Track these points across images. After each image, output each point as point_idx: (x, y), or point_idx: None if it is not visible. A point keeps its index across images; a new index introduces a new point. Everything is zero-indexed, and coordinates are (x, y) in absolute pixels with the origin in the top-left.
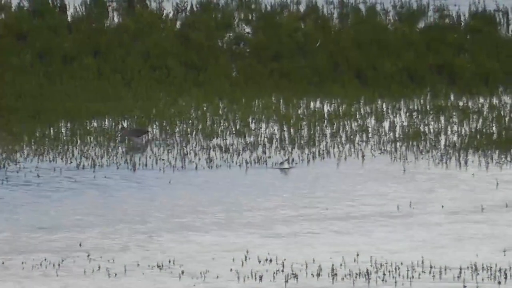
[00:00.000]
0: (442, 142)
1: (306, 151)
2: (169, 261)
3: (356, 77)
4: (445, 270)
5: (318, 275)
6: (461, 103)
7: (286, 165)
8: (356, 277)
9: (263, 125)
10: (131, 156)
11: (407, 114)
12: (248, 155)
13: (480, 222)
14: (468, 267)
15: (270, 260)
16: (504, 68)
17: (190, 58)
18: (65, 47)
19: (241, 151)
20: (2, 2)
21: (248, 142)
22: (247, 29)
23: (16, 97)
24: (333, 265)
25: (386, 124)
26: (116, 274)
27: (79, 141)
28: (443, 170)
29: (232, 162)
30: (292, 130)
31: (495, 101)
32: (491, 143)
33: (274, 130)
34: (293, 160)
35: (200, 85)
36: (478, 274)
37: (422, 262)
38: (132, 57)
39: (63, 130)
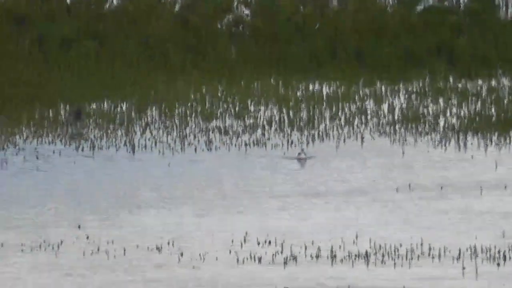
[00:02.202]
0: (441, 124)
1: (305, 133)
2: (168, 243)
3: (355, 59)
4: (444, 252)
5: (317, 257)
6: (460, 85)
7: (303, 156)
8: (355, 259)
9: (262, 108)
10: (77, 138)
11: (406, 96)
12: (247, 137)
13: (479, 204)
14: (467, 249)
15: (269, 242)
16: (503, 51)
17: (189, 41)
18: (63, 32)
19: (240, 133)
20: None
21: (247, 124)
22: (246, 12)
23: (14, 83)
24: (332, 247)
25: (385, 106)
26: (115, 256)
27: (78, 124)
28: (442, 152)
29: (231, 144)
30: (291, 112)
31: (494, 83)
32: (490, 125)
33: (273, 112)
34: (303, 153)
35: (199, 68)
36: (477, 256)
37: (421, 244)
38: (131, 40)
39: (62, 112)
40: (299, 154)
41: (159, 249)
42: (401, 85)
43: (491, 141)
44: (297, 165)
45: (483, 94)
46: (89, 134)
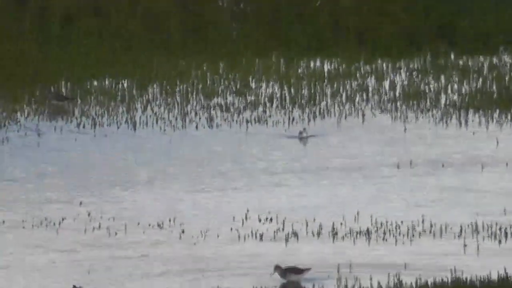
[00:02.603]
0: (442, 101)
1: (307, 110)
2: (169, 220)
3: (356, 38)
4: (446, 228)
5: (319, 234)
6: (461, 63)
7: (305, 134)
8: (356, 236)
9: (264, 85)
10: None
11: (407, 73)
12: (249, 114)
13: (481, 181)
14: (468, 226)
15: (271, 219)
16: (504, 28)
17: (190, 19)
18: (64, 9)
19: (241, 111)
20: None
21: (248, 102)
22: None
23: (16, 60)
24: (333, 223)
25: (386, 84)
26: (116, 233)
27: (79, 100)
28: (443, 129)
29: (233, 121)
30: (292, 90)
31: (495, 60)
32: (491, 102)
33: (275, 89)
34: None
35: (200, 46)
36: (479, 233)
37: (423, 222)
38: (132, 19)
39: (63, 89)
40: (300, 133)
41: (160, 226)
42: (402, 63)
43: (492, 118)
44: (298, 142)
45: (484, 71)
46: (90, 111)
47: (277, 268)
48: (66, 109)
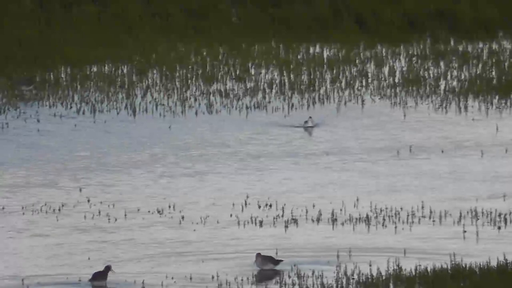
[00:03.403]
0: (442, 87)
1: (306, 96)
2: (169, 206)
3: (356, 23)
4: (445, 215)
5: (318, 220)
6: (461, 48)
7: (310, 124)
8: (356, 222)
9: (263, 71)
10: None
11: (407, 59)
12: (248, 100)
13: (480, 167)
14: (468, 212)
15: (270, 206)
16: (504, 13)
17: (190, 4)
18: None
19: (241, 96)
20: None
21: (248, 87)
22: None
23: (16, 43)
24: (333, 210)
25: (385, 69)
26: (116, 219)
27: (79, 87)
28: (443, 115)
29: (232, 107)
30: (292, 75)
31: (494, 46)
32: (490, 88)
33: (274, 75)
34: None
35: (200, 31)
36: (478, 219)
37: (422, 207)
38: (132, 3)
39: (63, 75)
40: (305, 122)
41: (160, 212)
42: (402, 48)
43: (492, 104)
44: (301, 130)
45: (484, 57)
46: (90, 97)
47: (258, 256)
48: (33, 96)
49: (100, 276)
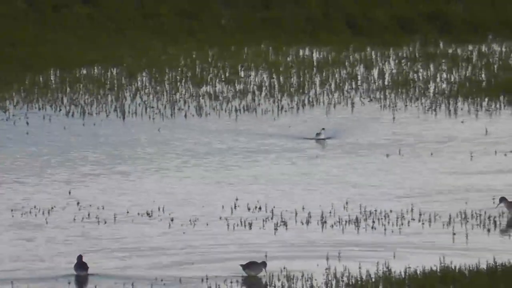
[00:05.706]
0: (432, 89)
1: (295, 99)
2: (159, 209)
3: (348, 25)
4: (435, 217)
5: (308, 222)
6: (450, 51)
7: (322, 136)
8: (345, 224)
9: (253, 73)
10: None
11: (396, 61)
12: (238, 103)
13: (470, 169)
14: (457, 215)
15: (260, 208)
16: (498, 16)
17: (182, 6)
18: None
19: (230, 99)
20: None
21: (237, 90)
22: None
23: (8, 45)
24: (322, 212)
25: (375, 72)
26: (105, 222)
27: (68, 89)
28: (432, 117)
29: (222, 109)
30: (281, 78)
31: (484, 48)
32: (480, 90)
33: (264, 78)
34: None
35: (192, 34)
36: (468, 221)
37: (412, 210)
38: (124, 5)
39: (52, 78)
40: (317, 134)
41: (149, 215)
42: (391, 50)
43: (481, 106)
44: (288, 132)
45: (474, 59)
46: (79, 99)
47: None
48: None
49: (81, 266)
